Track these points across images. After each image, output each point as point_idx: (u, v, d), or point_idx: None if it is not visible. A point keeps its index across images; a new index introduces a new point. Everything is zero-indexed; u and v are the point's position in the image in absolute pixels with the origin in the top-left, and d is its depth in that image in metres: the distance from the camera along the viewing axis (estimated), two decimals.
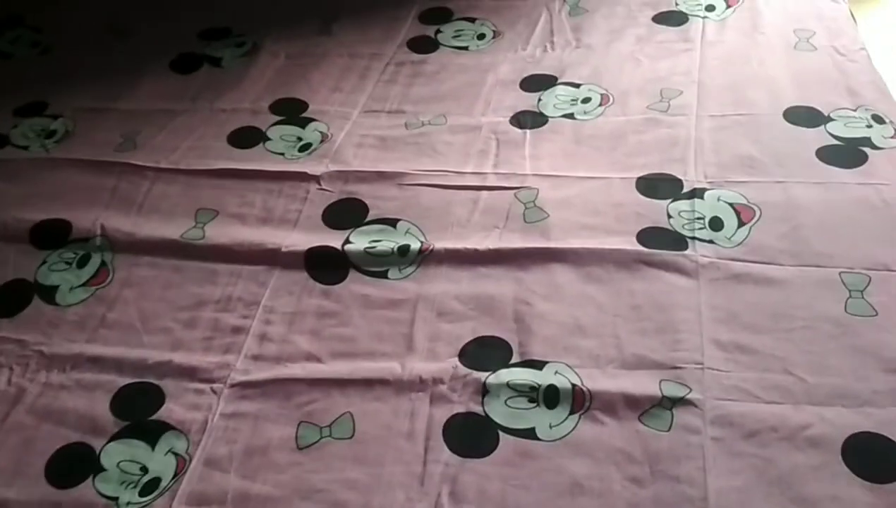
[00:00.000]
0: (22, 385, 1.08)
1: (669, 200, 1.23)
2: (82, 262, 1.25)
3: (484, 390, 1.01)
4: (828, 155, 1.27)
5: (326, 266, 1.20)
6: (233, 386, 1.06)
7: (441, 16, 1.72)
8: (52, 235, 1.29)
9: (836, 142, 1.29)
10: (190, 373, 1.08)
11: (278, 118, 1.48)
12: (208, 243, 1.24)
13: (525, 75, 1.52)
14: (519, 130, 1.39)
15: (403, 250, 1.19)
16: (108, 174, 1.39)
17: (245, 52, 1.67)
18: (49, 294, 1.21)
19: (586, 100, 1.44)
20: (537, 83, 1.50)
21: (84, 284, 1.22)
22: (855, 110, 1.35)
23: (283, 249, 1.22)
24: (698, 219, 1.19)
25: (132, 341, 1.13)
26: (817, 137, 1.31)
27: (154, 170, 1.39)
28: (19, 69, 1.70)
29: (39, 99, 1.59)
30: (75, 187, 1.37)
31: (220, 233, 1.26)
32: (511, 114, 1.43)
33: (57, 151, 1.45)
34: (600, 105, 1.43)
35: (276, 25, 1.74)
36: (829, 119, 1.34)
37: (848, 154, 1.27)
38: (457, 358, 1.05)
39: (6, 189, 1.38)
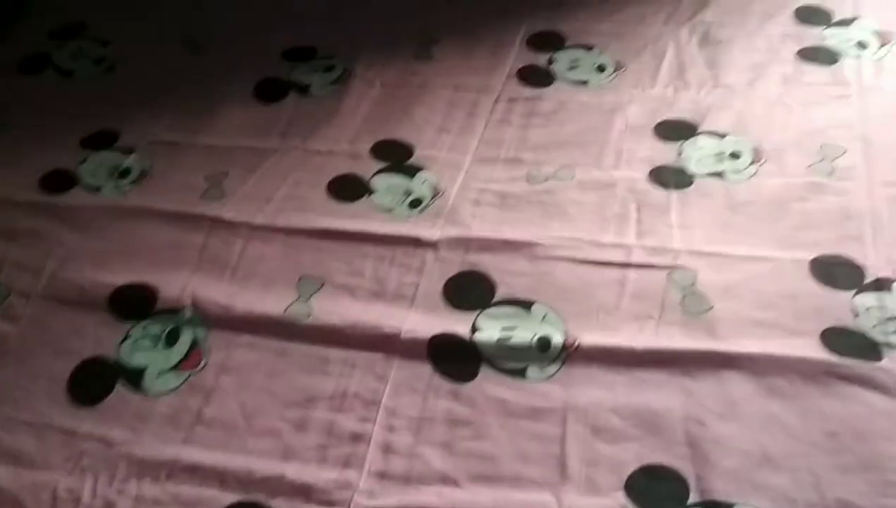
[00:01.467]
0: (109, 497, 0.94)
1: (853, 292, 1.06)
2: (171, 339, 1.10)
3: None
4: None
5: (454, 358, 1.04)
6: None
7: (552, 41, 1.54)
8: (135, 304, 1.14)
9: None
10: (305, 493, 0.93)
11: (382, 164, 1.31)
12: (316, 322, 1.09)
13: (659, 120, 1.34)
14: (661, 191, 1.22)
15: (544, 344, 1.03)
16: (196, 229, 1.23)
17: (336, 79, 1.50)
18: (135, 378, 1.06)
19: (735, 156, 1.26)
20: (674, 131, 1.32)
21: (175, 367, 1.07)
22: None
23: (403, 335, 1.06)
24: (891, 320, 1.02)
25: (235, 444, 0.98)
26: None
27: (248, 227, 1.22)
28: (83, 90, 1.53)
29: (108, 127, 1.43)
30: (158, 244, 1.22)
31: (329, 309, 1.10)
32: (649, 169, 1.26)
33: (134, 196, 1.30)
34: (752, 162, 1.25)
35: (368, 47, 1.56)
36: None
37: None
38: (622, 493, 0.90)
39: (79, 243, 1.23)
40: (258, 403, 1.02)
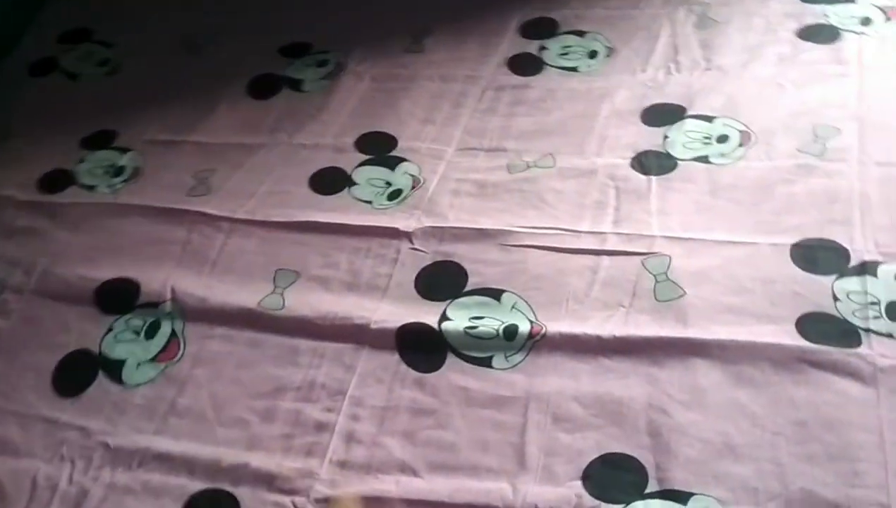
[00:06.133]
0: (84, 485, 0.96)
1: (834, 276, 1.02)
2: (151, 332, 1.12)
3: None
4: None
5: (421, 348, 1.04)
6: (317, 501, 0.92)
7: (545, 28, 1.52)
8: (119, 298, 1.16)
9: None
10: (268, 481, 0.94)
11: (365, 157, 1.32)
12: (288, 314, 1.10)
13: (647, 105, 1.31)
14: (642, 176, 1.19)
15: (510, 332, 1.02)
16: (180, 224, 1.25)
17: (328, 74, 1.50)
18: (115, 370, 1.08)
19: (722, 139, 1.23)
20: (662, 115, 1.29)
21: (153, 359, 1.09)
22: None
23: (373, 325, 1.06)
24: (872, 304, 0.97)
25: (205, 435, 1.00)
26: None
27: (229, 221, 1.24)
28: (87, 92, 1.57)
29: (108, 127, 1.47)
30: (144, 239, 1.24)
31: (302, 300, 1.11)
32: (632, 155, 1.23)
33: (125, 194, 1.33)
34: (740, 145, 1.21)
35: (362, 40, 1.56)
36: None
37: None
38: (580, 482, 0.88)
39: (69, 240, 1.26)
40: (228, 393, 1.04)
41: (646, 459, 0.89)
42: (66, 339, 1.13)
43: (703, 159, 1.20)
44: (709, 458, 0.88)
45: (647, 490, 0.86)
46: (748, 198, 1.13)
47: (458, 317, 1.05)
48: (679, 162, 1.21)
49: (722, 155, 1.20)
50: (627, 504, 0.85)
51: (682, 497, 0.85)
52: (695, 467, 0.87)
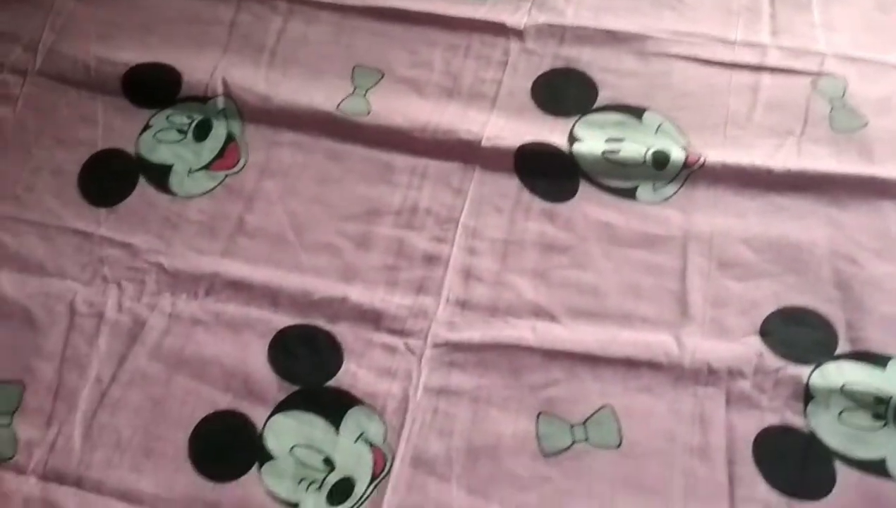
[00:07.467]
0: (138, 313, 0.78)
1: None
2: (201, 133, 0.90)
3: (807, 395, 0.72)
4: None
5: (547, 172, 0.86)
6: (437, 345, 0.76)
7: None
8: (155, 88, 0.93)
9: None
10: (374, 319, 0.78)
11: None
12: (376, 122, 0.89)
13: None
14: None
15: (661, 160, 0.85)
16: (222, 0, 1.00)
17: None
18: (160, 175, 0.88)
19: None
20: None
21: (207, 166, 0.88)
22: None
23: (485, 142, 0.87)
24: None
25: (286, 260, 0.82)
26: None
27: (286, 1, 1.00)
28: None
29: None
30: (176, 17, 0.99)
31: (391, 106, 0.91)
32: None
33: None
34: None
35: None
36: None
37: None
38: (758, 338, 0.75)
39: (78, 11, 1.00)
40: (310, 214, 0.85)
41: (834, 315, 0.76)
42: (91, 135, 0.91)
43: None
44: None
45: (839, 351, 0.74)
46: None
47: (591, 138, 0.87)
48: None
49: None
50: (817, 365, 0.73)
51: (880, 360, 0.73)
52: (893, 327, 0.75)
